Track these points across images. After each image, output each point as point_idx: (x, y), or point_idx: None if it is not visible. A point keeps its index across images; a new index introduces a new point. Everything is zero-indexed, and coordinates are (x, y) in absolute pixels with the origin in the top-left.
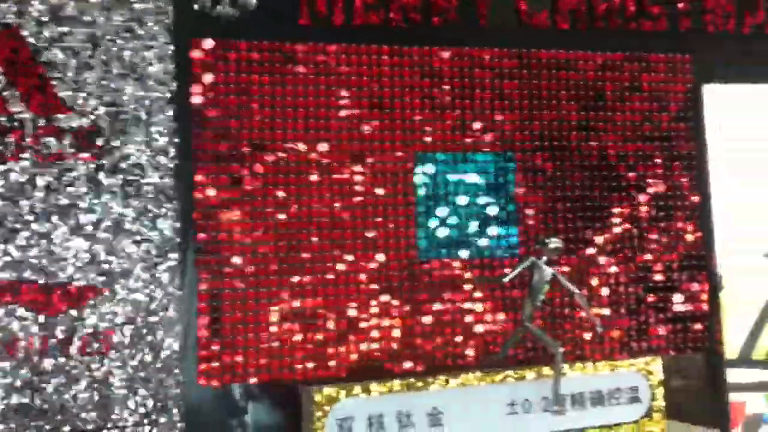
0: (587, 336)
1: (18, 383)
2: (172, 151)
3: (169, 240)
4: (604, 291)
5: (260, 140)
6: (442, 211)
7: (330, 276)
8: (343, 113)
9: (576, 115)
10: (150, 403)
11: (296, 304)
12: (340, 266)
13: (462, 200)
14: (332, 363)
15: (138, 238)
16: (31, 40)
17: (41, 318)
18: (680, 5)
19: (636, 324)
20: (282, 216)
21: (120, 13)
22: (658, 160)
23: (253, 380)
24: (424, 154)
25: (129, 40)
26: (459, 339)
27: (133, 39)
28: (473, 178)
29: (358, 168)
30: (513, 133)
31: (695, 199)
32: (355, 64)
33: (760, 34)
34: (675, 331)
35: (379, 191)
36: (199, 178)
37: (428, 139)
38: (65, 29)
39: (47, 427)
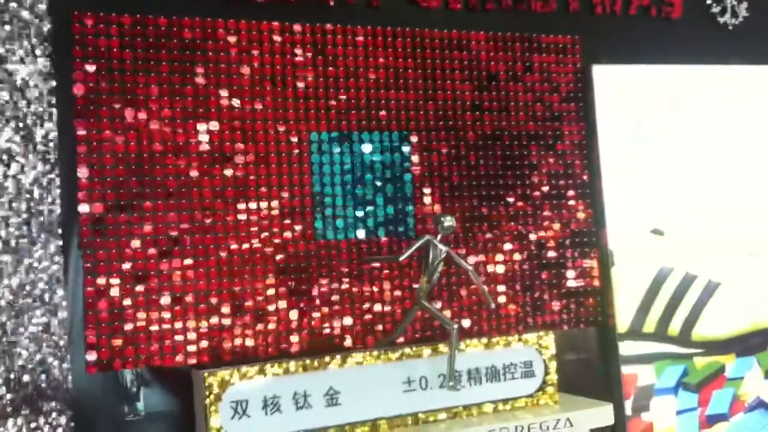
0: (484, 312)
1: None
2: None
3: (53, 216)
4: (500, 269)
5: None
6: (338, 191)
7: (223, 255)
8: (235, 92)
9: (470, 95)
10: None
11: (187, 287)
12: (234, 246)
13: (358, 180)
14: (226, 346)
15: (19, 214)
16: None
17: None
18: None
19: (531, 300)
20: (173, 195)
21: None
22: (550, 141)
23: (143, 365)
24: (318, 134)
25: None
26: (356, 319)
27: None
28: (369, 157)
29: (251, 146)
30: (408, 113)
31: (585, 177)
32: (245, 41)
33: (646, 16)
34: (568, 307)
35: (274, 171)
36: (81, 148)
37: (322, 119)
38: None
39: None
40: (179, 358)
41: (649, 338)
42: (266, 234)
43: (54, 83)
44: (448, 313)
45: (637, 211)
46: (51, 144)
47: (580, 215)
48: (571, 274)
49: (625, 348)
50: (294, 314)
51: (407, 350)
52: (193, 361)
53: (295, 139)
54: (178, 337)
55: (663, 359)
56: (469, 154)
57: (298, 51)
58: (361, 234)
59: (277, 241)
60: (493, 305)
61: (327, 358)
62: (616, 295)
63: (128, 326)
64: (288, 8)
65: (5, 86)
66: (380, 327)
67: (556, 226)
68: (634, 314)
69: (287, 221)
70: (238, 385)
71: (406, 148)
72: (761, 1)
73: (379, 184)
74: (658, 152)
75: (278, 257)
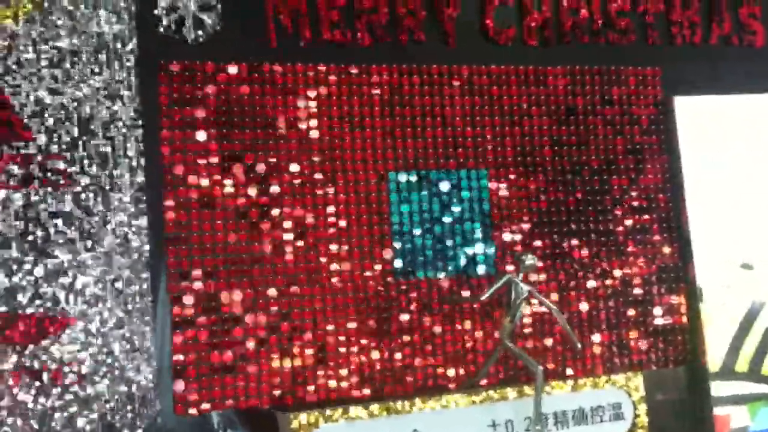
0: (568, 353)
1: None
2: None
3: (140, 262)
4: (583, 306)
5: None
6: (417, 230)
7: (306, 297)
8: (314, 133)
9: (548, 130)
10: None
11: (271, 325)
12: (316, 288)
13: (437, 218)
14: (310, 387)
15: (108, 261)
16: None
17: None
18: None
19: (617, 339)
20: (254, 241)
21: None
22: (632, 174)
23: (229, 407)
24: (396, 173)
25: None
26: (438, 360)
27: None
28: (447, 196)
29: (330, 188)
30: (486, 150)
31: (670, 210)
32: (323, 84)
33: (728, 46)
34: (656, 345)
35: (353, 212)
36: (168, 202)
37: (400, 158)
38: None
39: None
40: (264, 399)
41: (742, 378)
42: (347, 274)
43: None
44: (531, 354)
45: (725, 245)
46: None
47: (666, 250)
48: (658, 311)
49: (717, 388)
50: (376, 355)
51: (491, 392)
52: (277, 403)
53: (374, 180)
54: (263, 379)
55: (757, 400)
56: (549, 190)
57: (376, 91)
58: (441, 273)
59: (358, 281)
60: (578, 345)
61: (410, 401)
62: (706, 332)
63: (214, 369)
64: (364, 50)
65: None
66: (463, 368)
67: (641, 261)
68: (725, 352)
69: (367, 261)
70: (323, 427)
71: (484, 186)
72: None
73: (458, 222)
74: (744, 183)
75: (359, 298)
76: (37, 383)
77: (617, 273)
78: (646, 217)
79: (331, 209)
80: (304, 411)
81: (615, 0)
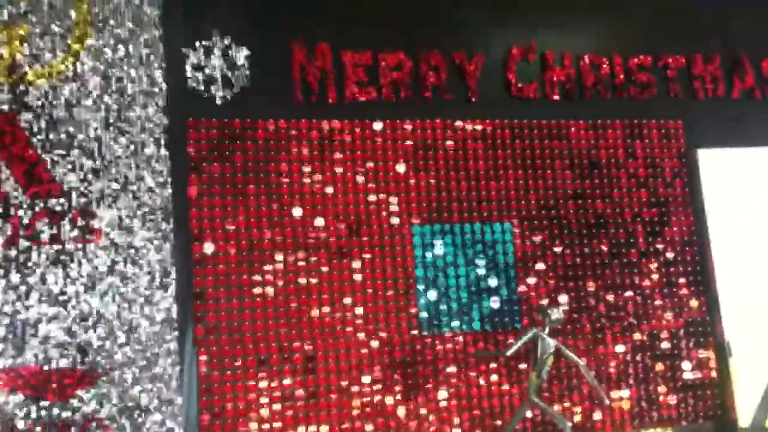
0: (596, 408)
1: None
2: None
3: (168, 323)
4: (611, 361)
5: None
6: (442, 283)
7: (331, 353)
8: (340, 186)
9: (571, 183)
10: None
11: (296, 383)
12: (342, 342)
13: (461, 272)
14: None
15: (136, 320)
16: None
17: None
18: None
19: (645, 394)
20: (276, 294)
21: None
22: (657, 227)
23: None
24: (421, 227)
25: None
26: (465, 415)
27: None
28: (472, 249)
29: (355, 241)
30: (509, 203)
31: (696, 263)
32: (349, 140)
33: (751, 99)
34: (685, 400)
35: (378, 265)
36: (197, 257)
37: (425, 211)
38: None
39: None
40: None
41: None
42: (371, 328)
43: None
44: (559, 409)
45: (754, 298)
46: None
47: (693, 303)
48: (686, 365)
49: None
50: (402, 411)
51: None
52: None
53: (398, 233)
54: None
55: None
56: (574, 244)
57: (401, 146)
58: (466, 327)
59: (383, 335)
60: (606, 401)
61: None
62: (736, 387)
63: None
64: (391, 106)
65: None
66: (489, 423)
67: (669, 315)
68: (755, 408)
69: (392, 314)
70: None
71: (509, 239)
72: None
73: (482, 276)
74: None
75: (384, 353)
76: None
77: (645, 327)
78: (673, 269)
79: (356, 264)
80: None
81: (636, 55)
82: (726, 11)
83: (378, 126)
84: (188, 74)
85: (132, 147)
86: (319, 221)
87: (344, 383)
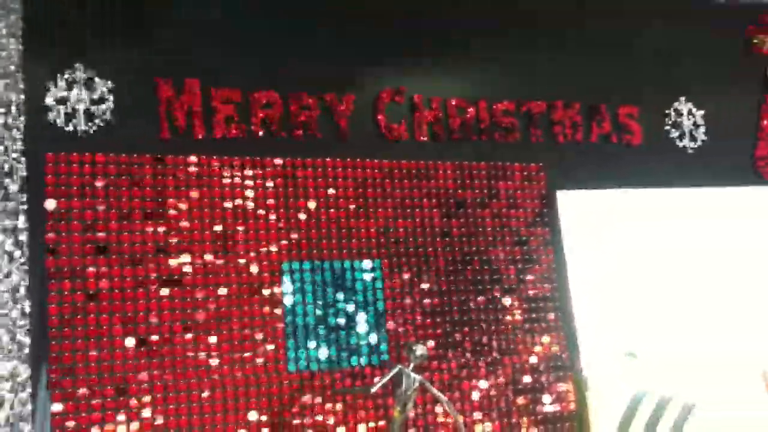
0: None
1: None
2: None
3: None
4: (475, 395)
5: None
6: (309, 320)
7: (194, 392)
8: (207, 223)
9: (439, 221)
10: None
11: (159, 422)
12: (205, 382)
13: (329, 309)
14: None
15: None
16: None
17: None
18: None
19: (508, 426)
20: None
21: None
22: (519, 265)
23: None
24: (289, 264)
25: None
26: None
27: None
28: (340, 286)
29: (223, 277)
30: (379, 241)
31: (557, 301)
32: (217, 176)
33: (607, 144)
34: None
35: (245, 301)
36: (53, 283)
37: (294, 248)
38: None
39: None
40: None
41: None
42: (239, 367)
43: None
44: None
45: (610, 334)
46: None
47: (553, 339)
48: (547, 398)
49: None
50: None
51: None
52: None
53: (266, 271)
54: None
55: None
56: (440, 280)
57: (270, 183)
58: (334, 364)
59: (249, 374)
60: None
61: None
62: (593, 419)
63: None
64: (258, 142)
65: None
66: None
67: (531, 350)
68: None
69: (259, 351)
70: None
71: (378, 276)
72: (719, 125)
73: (350, 312)
74: (626, 273)
75: (250, 393)
76: None
77: (507, 361)
78: (534, 305)
79: (223, 299)
80: None
81: (501, 101)
82: (586, 62)
83: (247, 162)
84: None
85: None
86: (185, 257)
87: (208, 425)
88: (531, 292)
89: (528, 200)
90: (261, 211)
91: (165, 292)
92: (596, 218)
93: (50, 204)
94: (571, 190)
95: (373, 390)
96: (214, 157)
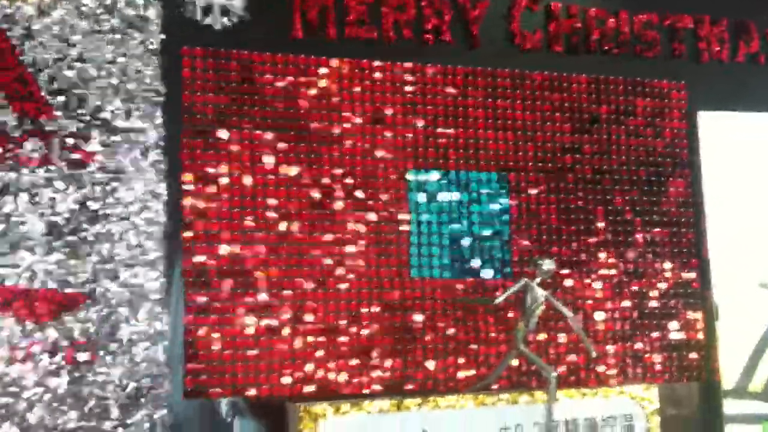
0: (582, 361)
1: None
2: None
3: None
4: (599, 315)
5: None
6: (434, 230)
7: (320, 291)
8: (336, 130)
9: (570, 137)
10: (135, 415)
11: (286, 317)
12: (332, 281)
13: (455, 220)
14: (320, 380)
15: (123, 245)
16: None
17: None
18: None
19: (631, 351)
20: (271, 231)
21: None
22: (654, 186)
23: (239, 395)
24: (416, 173)
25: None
26: (450, 360)
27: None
28: (467, 196)
29: (350, 183)
30: (507, 154)
31: (690, 226)
32: (346, 79)
33: (754, 64)
34: (670, 360)
35: (372, 209)
36: (187, 186)
37: (420, 157)
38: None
39: None
40: (274, 389)
41: (757, 397)
42: (363, 271)
43: None
44: (544, 360)
45: (744, 264)
46: None
47: (684, 265)
48: (674, 325)
49: (730, 406)
50: (387, 351)
51: (502, 396)
52: (287, 394)
53: (393, 177)
54: (274, 370)
55: None
56: (569, 198)
57: (399, 90)
58: (457, 274)
59: (372, 278)
60: (594, 354)
61: (420, 399)
62: (721, 350)
63: (226, 356)
64: (389, 47)
65: None
66: (475, 371)
67: (659, 275)
68: (740, 372)
69: (383, 258)
70: (331, 420)
71: (504, 190)
72: None
73: (476, 224)
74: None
75: (374, 295)
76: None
77: (635, 285)
78: (666, 230)
79: (350, 206)
80: (314, 402)
81: (643, 12)
82: None
83: (377, 65)
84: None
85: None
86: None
87: (333, 324)
88: (664, 215)
89: (667, 119)
90: (388, 117)
91: (295, 200)
92: (737, 142)
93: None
94: (712, 111)
95: (497, 302)
96: (347, 59)
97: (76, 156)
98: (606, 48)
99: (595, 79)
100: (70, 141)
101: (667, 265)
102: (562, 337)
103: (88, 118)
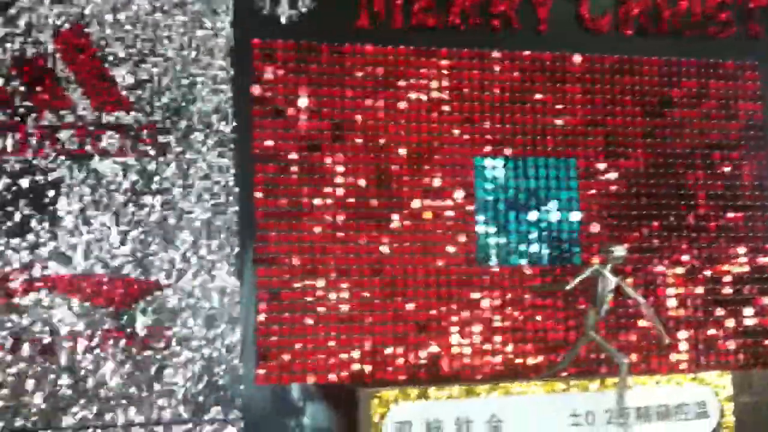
0: (654, 348)
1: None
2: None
3: (228, 234)
4: (671, 302)
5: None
6: (501, 217)
7: (389, 277)
8: (402, 116)
9: (641, 120)
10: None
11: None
12: (401, 268)
13: (523, 206)
14: (390, 366)
15: (196, 231)
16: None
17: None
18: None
19: (705, 337)
20: (341, 216)
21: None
22: (727, 169)
23: (310, 381)
24: (483, 159)
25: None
26: (520, 347)
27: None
28: (535, 182)
29: (417, 170)
30: (576, 138)
31: (766, 210)
32: (413, 67)
33: None
34: (745, 346)
35: (440, 195)
36: (258, 175)
37: (488, 144)
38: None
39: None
40: (344, 376)
41: None
42: (430, 258)
43: None
44: (616, 347)
45: None
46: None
47: (759, 250)
48: (749, 311)
49: None
50: (456, 338)
51: (573, 382)
52: (357, 380)
53: (460, 164)
54: (344, 356)
55: None
56: (640, 183)
57: (466, 74)
58: (527, 261)
59: (440, 264)
60: (666, 340)
61: (490, 385)
62: None
63: (297, 343)
64: (454, 34)
65: None
66: (545, 357)
67: (733, 260)
68: None
69: (450, 247)
70: (402, 405)
71: (573, 175)
72: None
73: (545, 210)
74: None
75: (441, 282)
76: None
77: (708, 270)
78: (741, 214)
79: (417, 192)
80: (384, 388)
81: None
82: None
83: (444, 54)
84: None
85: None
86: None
87: (401, 311)
88: (738, 200)
89: (741, 101)
90: (455, 104)
91: (362, 183)
92: None
93: (256, 90)
94: None
95: (567, 288)
96: (412, 48)
97: (151, 148)
98: (677, 29)
99: (667, 61)
100: (146, 133)
101: (741, 249)
102: (633, 324)
103: (162, 111)
